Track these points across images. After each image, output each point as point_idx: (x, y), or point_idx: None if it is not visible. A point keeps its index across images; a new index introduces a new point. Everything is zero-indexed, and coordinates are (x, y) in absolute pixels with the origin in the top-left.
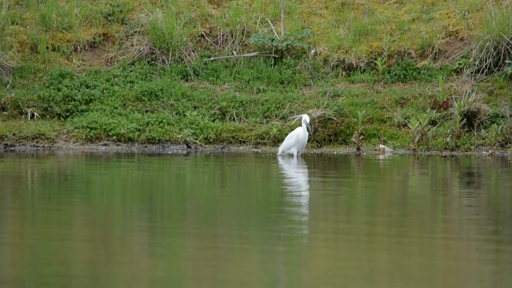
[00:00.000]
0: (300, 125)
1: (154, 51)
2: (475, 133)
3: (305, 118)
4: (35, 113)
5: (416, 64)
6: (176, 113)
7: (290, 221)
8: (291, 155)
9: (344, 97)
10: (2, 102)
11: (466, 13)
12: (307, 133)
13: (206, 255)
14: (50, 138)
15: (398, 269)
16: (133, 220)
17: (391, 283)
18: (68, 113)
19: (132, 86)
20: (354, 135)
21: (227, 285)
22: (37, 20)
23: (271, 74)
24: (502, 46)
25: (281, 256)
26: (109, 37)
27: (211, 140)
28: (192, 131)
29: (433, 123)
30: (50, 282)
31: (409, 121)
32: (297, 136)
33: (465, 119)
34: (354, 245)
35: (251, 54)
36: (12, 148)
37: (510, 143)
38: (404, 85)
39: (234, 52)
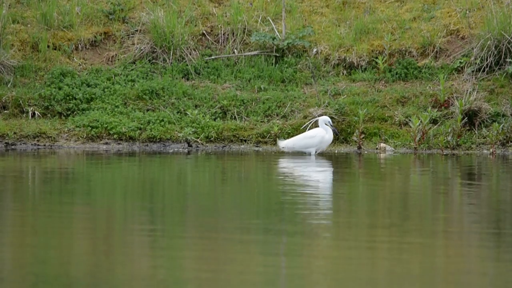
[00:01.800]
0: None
1: (155, 50)
2: (476, 132)
3: (328, 119)
4: (36, 112)
5: (417, 62)
6: (177, 112)
7: (293, 221)
8: (308, 154)
9: (345, 95)
10: (3, 101)
11: (467, 12)
12: (332, 134)
13: (209, 257)
14: (51, 137)
15: (399, 270)
16: (134, 219)
17: (392, 284)
18: (69, 112)
19: (133, 84)
20: (355, 134)
21: (229, 287)
22: (38, 19)
23: (272, 73)
24: (503, 44)
25: (283, 257)
26: (110, 36)
27: (212, 138)
28: (193, 129)
29: (434, 122)
30: (51, 282)
31: (410, 120)
32: (322, 137)
33: (466, 117)
34: (355, 245)
35: (252, 53)
36: (13, 147)
37: (511, 141)
38: (405, 83)
39: (235, 50)
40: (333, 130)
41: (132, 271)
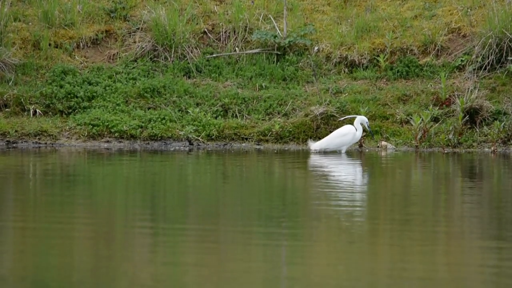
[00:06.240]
0: (350, 123)
1: (156, 48)
2: (477, 130)
3: (365, 119)
4: (37, 110)
5: (419, 61)
6: (179, 110)
7: (296, 221)
8: (339, 152)
9: (346, 93)
10: (5, 99)
11: (469, 10)
12: (361, 132)
13: (210, 258)
14: (52, 135)
15: (399, 271)
16: (135, 216)
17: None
18: (71, 110)
19: (135, 83)
20: None
21: None
22: (40, 17)
23: (274, 71)
24: (505, 43)
25: (284, 259)
26: (111, 34)
27: (213, 137)
28: (194, 128)
29: (435, 120)
30: (50, 285)
31: (411, 118)
32: (354, 135)
33: (468, 116)
34: (357, 246)
35: (254, 51)
36: (14, 145)
37: None
38: (406, 82)
39: (236, 49)
40: (369, 131)
41: (133, 271)
